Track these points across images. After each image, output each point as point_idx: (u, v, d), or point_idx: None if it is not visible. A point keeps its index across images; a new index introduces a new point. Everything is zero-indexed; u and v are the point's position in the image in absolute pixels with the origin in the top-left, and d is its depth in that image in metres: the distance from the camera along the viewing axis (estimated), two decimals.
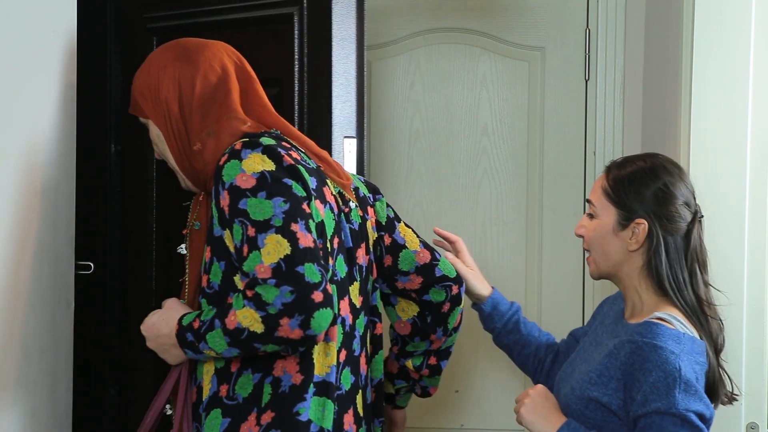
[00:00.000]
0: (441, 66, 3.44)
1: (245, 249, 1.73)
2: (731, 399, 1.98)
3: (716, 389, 1.93)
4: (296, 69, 2.35)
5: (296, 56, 2.35)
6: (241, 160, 1.78)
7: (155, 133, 1.97)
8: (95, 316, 2.71)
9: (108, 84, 2.73)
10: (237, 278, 1.82)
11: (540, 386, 1.97)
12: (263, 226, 1.72)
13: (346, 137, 2.28)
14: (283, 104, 2.36)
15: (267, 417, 1.80)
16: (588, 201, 2.03)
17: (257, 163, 1.78)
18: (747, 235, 2.53)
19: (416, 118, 3.44)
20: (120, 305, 2.75)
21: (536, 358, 2.26)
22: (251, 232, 1.73)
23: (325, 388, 1.85)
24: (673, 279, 1.92)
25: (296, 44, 2.35)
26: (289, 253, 1.70)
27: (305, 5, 2.33)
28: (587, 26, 3.36)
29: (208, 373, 1.86)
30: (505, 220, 3.43)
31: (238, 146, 1.81)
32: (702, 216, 1.98)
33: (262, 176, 1.77)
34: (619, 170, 1.99)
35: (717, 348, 1.94)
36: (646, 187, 1.94)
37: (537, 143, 3.41)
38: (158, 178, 2.67)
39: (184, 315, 1.82)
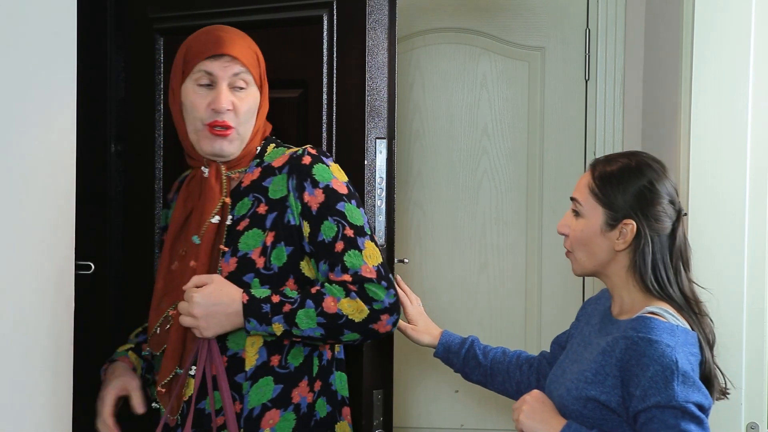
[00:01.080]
0: (441, 66, 3.44)
1: (339, 245, 2.00)
2: (724, 394, 1.99)
3: (711, 382, 1.93)
4: (325, 72, 2.36)
5: (325, 60, 2.37)
6: (327, 165, 2.06)
7: (254, 101, 2.10)
8: (95, 316, 2.71)
9: (108, 84, 2.73)
10: (305, 263, 2.06)
11: (536, 391, 1.97)
12: (360, 231, 2.03)
13: (378, 138, 2.31)
14: (308, 105, 2.39)
15: (317, 386, 2.10)
16: (573, 199, 2.01)
17: (340, 172, 2.08)
18: (747, 235, 2.53)
19: (416, 118, 3.44)
20: (120, 305, 2.74)
21: (513, 381, 2.27)
22: (349, 232, 2.01)
23: (340, 363, 2.17)
24: (655, 279, 1.93)
25: (325, 48, 2.36)
26: (382, 261, 2.04)
27: (335, 10, 2.35)
28: (587, 26, 3.36)
29: (253, 345, 2.04)
30: (505, 220, 3.43)
31: (313, 151, 2.06)
32: (685, 213, 1.98)
33: (348, 186, 2.07)
34: (604, 167, 1.97)
35: (710, 344, 1.94)
36: (631, 185, 1.93)
37: (537, 143, 3.41)
38: (159, 177, 2.66)
39: (250, 289, 2.00)
